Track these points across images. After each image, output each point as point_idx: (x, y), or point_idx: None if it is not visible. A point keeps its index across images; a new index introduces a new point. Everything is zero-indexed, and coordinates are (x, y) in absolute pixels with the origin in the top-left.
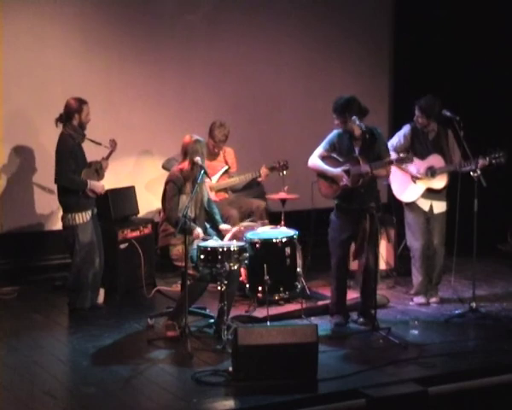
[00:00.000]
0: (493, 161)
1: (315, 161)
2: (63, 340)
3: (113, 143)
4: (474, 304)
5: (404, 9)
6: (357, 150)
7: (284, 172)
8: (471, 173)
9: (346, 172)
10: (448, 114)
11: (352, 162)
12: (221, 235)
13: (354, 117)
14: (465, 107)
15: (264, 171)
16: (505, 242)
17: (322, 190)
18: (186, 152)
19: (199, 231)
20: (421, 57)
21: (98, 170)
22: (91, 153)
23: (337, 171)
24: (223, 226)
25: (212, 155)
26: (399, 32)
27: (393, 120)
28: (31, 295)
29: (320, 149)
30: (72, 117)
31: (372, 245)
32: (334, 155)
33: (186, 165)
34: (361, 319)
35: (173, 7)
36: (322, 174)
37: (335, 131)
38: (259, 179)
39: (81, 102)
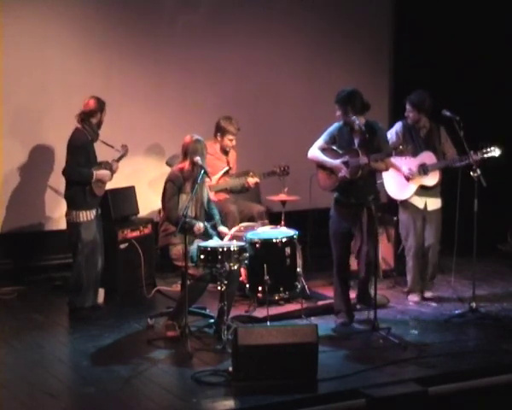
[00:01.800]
0: (485, 156)
1: (314, 152)
2: (63, 340)
3: (125, 148)
4: (473, 304)
5: (404, 9)
6: (356, 143)
7: (285, 177)
8: (471, 173)
9: (345, 163)
10: (448, 113)
11: (352, 154)
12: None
13: (354, 117)
14: (465, 106)
15: (251, 181)
16: (505, 242)
17: (321, 182)
18: (186, 152)
19: (200, 225)
20: (421, 57)
21: (108, 170)
22: (102, 155)
23: (336, 162)
24: (222, 228)
25: (226, 153)
26: (399, 32)
27: (393, 119)
28: (31, 295)
29: (320, 141)
30: (93, 116)
31: (371, 239)
32: (334, 148)
33: (186, 165)
34: (359, 307)
35: (173, 7)
36: (321, 165)
37: (336, 124)
38: (247, 186)
39: (103, 103)
